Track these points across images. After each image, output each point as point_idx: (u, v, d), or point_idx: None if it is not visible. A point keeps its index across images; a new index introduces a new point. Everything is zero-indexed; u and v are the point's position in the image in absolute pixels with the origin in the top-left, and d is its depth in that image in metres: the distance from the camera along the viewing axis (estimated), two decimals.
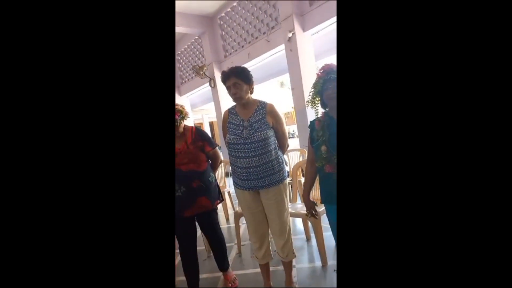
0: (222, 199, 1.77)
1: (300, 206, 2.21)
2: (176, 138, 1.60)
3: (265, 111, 1.43)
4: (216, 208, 1.76)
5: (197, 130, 1.68)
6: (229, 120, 1.49)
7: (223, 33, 5.92)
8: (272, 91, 7.93)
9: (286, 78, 5.77)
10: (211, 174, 1.69)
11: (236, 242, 2.36)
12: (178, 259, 2.35)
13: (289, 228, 1.54)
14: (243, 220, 2.66)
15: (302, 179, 2.58)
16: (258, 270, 1.77)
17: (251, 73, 1.45)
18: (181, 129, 1.62)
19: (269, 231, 1.57)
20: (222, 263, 1.81)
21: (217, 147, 1.73)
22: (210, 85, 6.12)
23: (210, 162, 1.72)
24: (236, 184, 1.51)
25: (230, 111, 1.51)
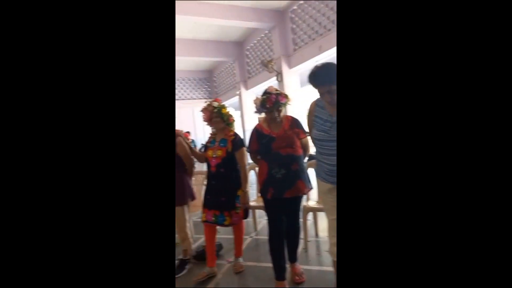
0: (311, 187, 1.76)
1: None
2: (276, 124, 1.69)
3: None
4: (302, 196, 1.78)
5: (293, 119, 1.76)
6: (315, 113, 1.43)
7: (294, 26, 5.85)
8: None
9: None
10: (304, 161, 1.73)
11: (303, 237, 2.32)
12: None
13: None
14: (309, 216, 2.60)
15: None
16: (323, 267, 1.75)
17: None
18: (282, 115, 1.70)
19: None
20: (294, 254, 1.81)
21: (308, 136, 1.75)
22: (277, 79, 6.14)
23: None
24: (321, 178, 1.46)
25: (317, 103, 1.44)
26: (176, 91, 8.34)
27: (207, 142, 2.04)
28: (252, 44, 7.35)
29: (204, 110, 1.99)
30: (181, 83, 8.56)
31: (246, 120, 7.54)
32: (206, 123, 2.02)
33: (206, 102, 2.01)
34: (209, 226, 1.93)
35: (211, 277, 1.90)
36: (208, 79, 9.10)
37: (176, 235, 2.05)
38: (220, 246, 2.26)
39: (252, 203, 2.47)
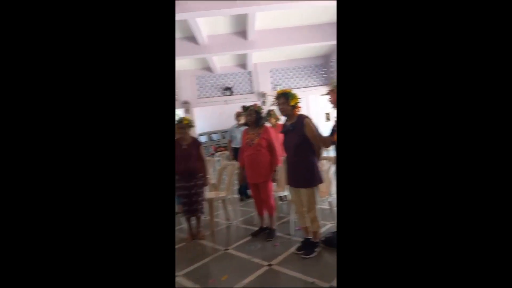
0: None
1: None
2: None
3: None
4: None
5: None
6: None
7: None
8: None
9: None
10: None
11: None
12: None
13: None
14: None
15: None
16: None
17: None
18: None
19: None
20: None
21: None
22: None
23: None
24: None
25: None
26: (292, 80, 8.46)
27: (334, 126, 1.94)
28: None
29: (331, 92, 1.88)
30: (297, 71, 8.64)
31: None
32: (332, 106, 1.91)
33: (330, 84, 1.91)
34: None
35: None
36: (324, 65, 8.82)
37: (306, 215, 2.05)
38: None
39: None
